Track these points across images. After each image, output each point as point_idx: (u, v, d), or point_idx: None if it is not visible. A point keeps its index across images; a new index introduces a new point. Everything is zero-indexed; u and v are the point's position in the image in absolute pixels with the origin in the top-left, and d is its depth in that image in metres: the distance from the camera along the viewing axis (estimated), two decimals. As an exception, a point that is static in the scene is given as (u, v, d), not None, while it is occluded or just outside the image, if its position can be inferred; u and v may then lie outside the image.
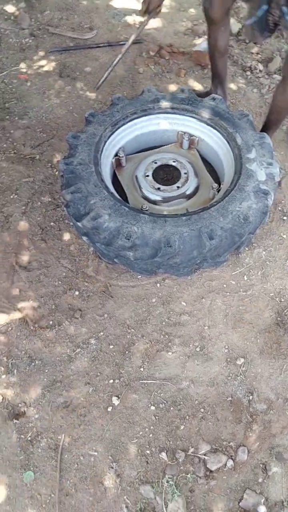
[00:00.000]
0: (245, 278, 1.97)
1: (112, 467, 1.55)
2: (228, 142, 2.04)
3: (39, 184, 2.27)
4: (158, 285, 1.95)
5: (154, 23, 3.07)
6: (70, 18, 3.12)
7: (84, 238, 1.92)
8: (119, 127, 2.10)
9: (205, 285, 1.95)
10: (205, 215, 1.76)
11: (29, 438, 1.59)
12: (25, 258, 2.02)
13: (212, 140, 2.15)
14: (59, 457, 1.55)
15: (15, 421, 1.62)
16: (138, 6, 3.14)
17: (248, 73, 2.81)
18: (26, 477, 1.51)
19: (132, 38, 2.29)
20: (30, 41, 2.95)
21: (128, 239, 1.69)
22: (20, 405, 1.66)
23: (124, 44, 2.90)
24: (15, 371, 1.72)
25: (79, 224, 1.81)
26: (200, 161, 2.20)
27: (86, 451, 1.58)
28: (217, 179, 2.14)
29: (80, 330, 1.83)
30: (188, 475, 1.53)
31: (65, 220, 2.13)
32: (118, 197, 1.90)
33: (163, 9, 3.08)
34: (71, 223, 2.06)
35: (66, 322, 1.84)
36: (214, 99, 2.18)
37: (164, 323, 1.85)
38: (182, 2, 3.27)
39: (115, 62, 2.21)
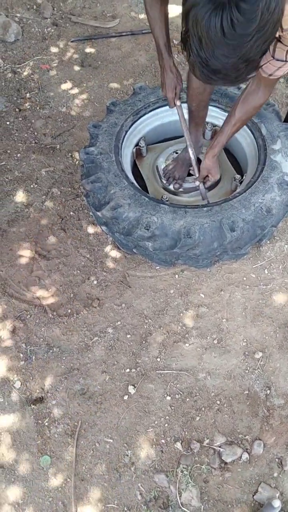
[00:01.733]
0: (266, 271, 1.94)
1: (127, 455, 1.56)
2: (252, 133, 1.99)
3: (59, 174, 2.28)
4: (177, 276, 1.94)
5: (178, 10, 3.01)
6: (92, 6, 3.10)
7: (103, 227, 1.92)
8: (140, 117, 2.08)
9: (224, 277, 1.93)
10: (227, 207, 1.73)
11: (46, 424, 1.62)
12: (44, 247, 2.04)
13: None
14: (75, 443, 1.57)
15: (32, 406, 1.65)
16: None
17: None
18: (43, 461, 1.54)
19: (185, 130, 1.85)
20: (52, 30, 2.95)
21: (148, 229, 1.68)
22: (38, 391, 1.69)
23: (147, 32, 2.87)
24: (33, 357, 1.75)
25: (98, 213, 1.81)
26: (222, 151, 2.16)
27: (102, 438, 1.59)
28: (240, 171, 2.11)
29: (97, 319, 1.84)
30: (203, 466, 1.53)
31: (84, 210, 2.14)
32: (138, 187, 1.89)
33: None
34: (91, 213, 2.07)
35: (84, 311, 1.85)
36: (239, 88, 2.13)
37: (181, 314, 1.84)
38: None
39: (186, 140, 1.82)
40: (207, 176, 1.89)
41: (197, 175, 1.91)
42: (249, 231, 1.72)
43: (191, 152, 1.87)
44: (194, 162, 1.89)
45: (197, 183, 1.94)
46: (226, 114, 2.07)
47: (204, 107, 1.88)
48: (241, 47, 0.90)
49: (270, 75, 1.37)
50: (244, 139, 2.06)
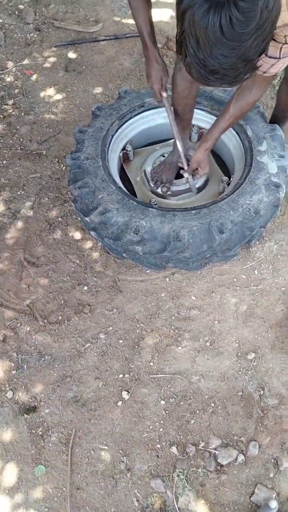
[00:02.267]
0: (256, 272, 1.95)
1: (123, 461, 1.55)
2: (238, 134, 2.00)
3: (46, 180, 2.26)
4: (167, 279, 1.94)
5: (161, 15, 3.03)
6: (75, 11, 3.09)
7: (92, 233, 1.91)
8: (126, 121, 2.08)
9: (215, 279, 1.93)
10: (215, 209, 1.74)
11: (40, 433, 1.60)
12: (33, 253, 2.02)
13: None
14: (69, 452, 1.56)
15: (26, 416, 1.63)
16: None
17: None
18: (38, 471, 1.52)
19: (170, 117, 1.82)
20: (35, 35, 2.94)
21: (137, 234, 1.68)
22: (30, 400, 1.67)
23: (130, 36, 2.87)
24: (25, 366, 1.73)
25: (86, 219, 1.80)
26: (209, 154, 2.17)
27: (97, 445, 1.58)
28: (227, 173, 2.12)
29: (89, 325, 1.82)
30: (199, 470, 1.52)
31: (73, 215, 2.13)
32: (126, 191, 1.89)
33: (171, 0, 3.05)
34: (79, 218, 2.06)
35: (75, 317, 1.84)
36: (224, 90, 2.14)
37: (173, 317, 1.84)
38: (188, -8, 3.22)
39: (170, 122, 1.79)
40: (196, 169, 1.87)
41: (185, 168, 1.90)
42: (238, 232, 1.73)
43: (179, 145, 1.86)
44: (182, 155, 1.87)
45: (186, 175, 1.92)
46: (212, 116, 2.09)
47: (189, 110, 1.88)
48: (240, 46, 0.89)
49: (264, 72, 1.36)
50: (231, 141, 2.07)
